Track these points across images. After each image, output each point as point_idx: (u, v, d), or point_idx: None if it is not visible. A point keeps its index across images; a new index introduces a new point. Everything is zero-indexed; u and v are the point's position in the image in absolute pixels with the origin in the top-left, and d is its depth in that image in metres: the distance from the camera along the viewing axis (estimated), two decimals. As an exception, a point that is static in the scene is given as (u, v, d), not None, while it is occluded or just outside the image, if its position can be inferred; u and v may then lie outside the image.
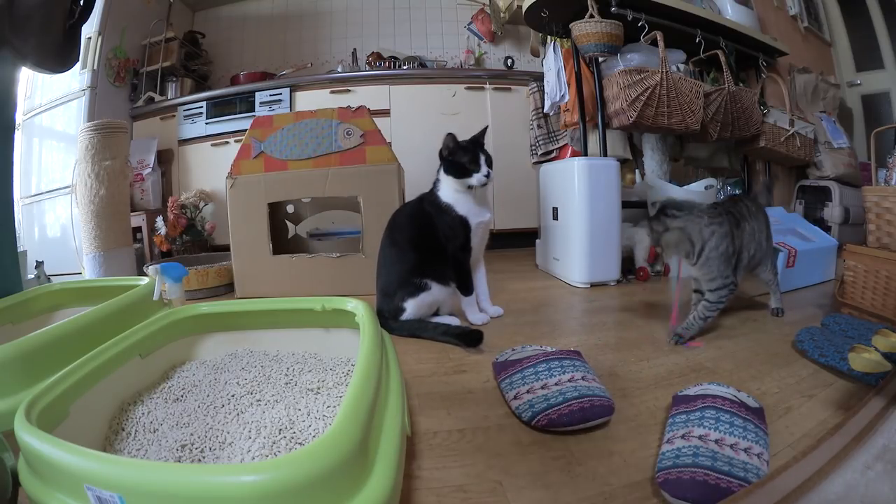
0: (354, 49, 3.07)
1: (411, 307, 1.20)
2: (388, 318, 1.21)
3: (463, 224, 1.21)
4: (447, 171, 1.23)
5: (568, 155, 2.10)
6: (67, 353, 0.71)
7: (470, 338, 1.07)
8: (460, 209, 1.21)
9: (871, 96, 2.56)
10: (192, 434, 0.59)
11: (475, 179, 1.18)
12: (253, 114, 2.51)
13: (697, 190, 1.80)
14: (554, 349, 0.90)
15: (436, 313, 1.26)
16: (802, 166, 2.22)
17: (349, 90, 2.56)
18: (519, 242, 2.54)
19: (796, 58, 2.32)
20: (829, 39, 2.62)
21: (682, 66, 2.07)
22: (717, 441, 0.61)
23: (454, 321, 1.23)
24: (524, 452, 0.66)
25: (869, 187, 1.20)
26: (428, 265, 1.21)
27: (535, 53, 2.83)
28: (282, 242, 1.92)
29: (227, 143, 2.56)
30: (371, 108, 1.75)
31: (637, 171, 2.15)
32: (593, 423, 0.70)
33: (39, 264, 1.82)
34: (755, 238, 1.13)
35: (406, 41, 3.17)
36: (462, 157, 1.20)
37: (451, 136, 1.21)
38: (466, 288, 1.25)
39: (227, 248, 1.78)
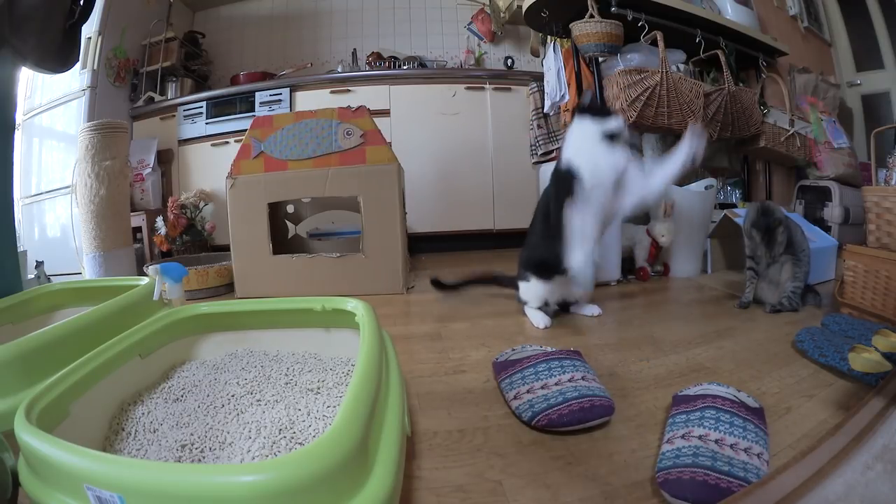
0: (354, 49, 3.06)
1: None
2: None
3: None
4: None
5: (568, 155, 2.10)
6: (67, 353, 0.71)
7: None
8: None
9: (871, 96, 2.55)
10: (192, 434, 0.59)
11: None
12: (253, 114, 2.51)
13: (697, 190, 1.80)
14: (554, 349, 0.90)
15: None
16: (802, 166, 2.22)
17: (349, 90, 2.56)
18: (519, 242, 2.52)
19: (796, 58, 2.32)
20: (829, 39, 2.62)
21: (682, 66, 2.07)
22: (717, 441, 0.61)
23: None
24: (524, 452, 0.66)
25: (869, 187, 1.20)
26: None
27: (535, 53, 2.83)
28: (282, 242, 1.92)
29: (227, 143, 2.56)
30: (371, 108, 1.74)
31: (637, 171, 2.15)
32: (593, 423, 0.70)
33: (39, 264, 1.82)
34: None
35: (406, 41, 3.16)
36: None
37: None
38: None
39: (227, 248, 1.78)
